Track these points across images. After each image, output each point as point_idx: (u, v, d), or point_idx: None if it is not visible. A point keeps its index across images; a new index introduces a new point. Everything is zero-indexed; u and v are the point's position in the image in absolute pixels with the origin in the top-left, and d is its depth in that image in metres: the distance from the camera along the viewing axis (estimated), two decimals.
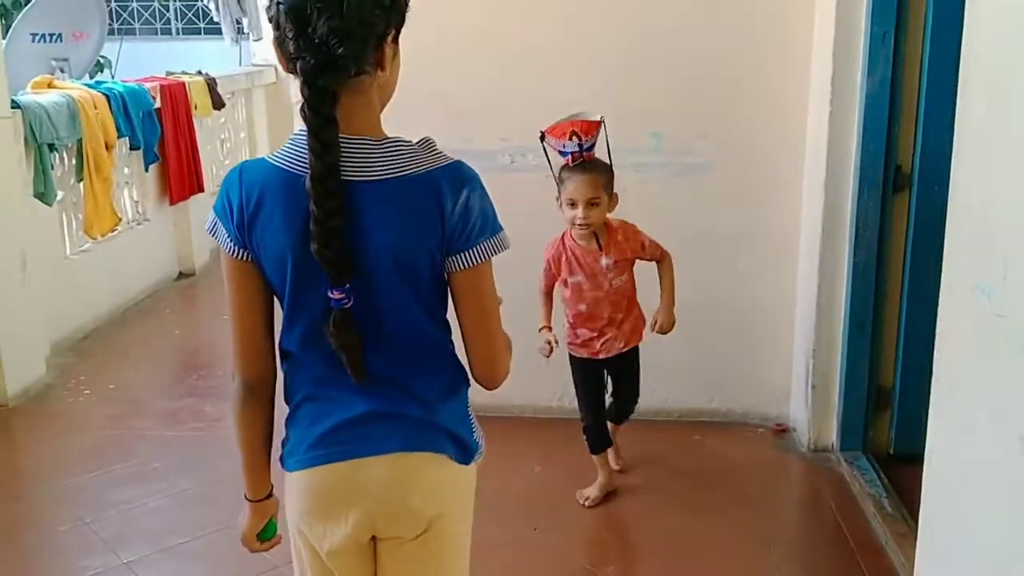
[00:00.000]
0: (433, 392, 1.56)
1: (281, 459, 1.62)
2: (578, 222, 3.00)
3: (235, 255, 1.49)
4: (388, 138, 1.48)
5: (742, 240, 3.72)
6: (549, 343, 3.06)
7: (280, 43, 1.40)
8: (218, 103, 6.84)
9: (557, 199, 3.08)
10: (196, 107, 6.45)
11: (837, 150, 3.35)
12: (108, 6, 11.70)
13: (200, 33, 13.53)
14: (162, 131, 5.97)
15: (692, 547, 3.02)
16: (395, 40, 1.47)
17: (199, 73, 6.81)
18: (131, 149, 5.72)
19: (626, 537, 3.10)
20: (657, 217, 3.68)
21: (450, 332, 1.60)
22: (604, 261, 3.10)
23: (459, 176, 1.48)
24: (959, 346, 2.17)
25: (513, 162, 3.60)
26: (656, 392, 3.87)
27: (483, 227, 1.49)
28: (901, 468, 3.29)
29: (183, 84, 6.33)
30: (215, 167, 7.13)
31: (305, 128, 1.40)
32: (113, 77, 8.59)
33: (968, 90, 2.12)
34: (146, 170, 5.91)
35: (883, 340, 3.46)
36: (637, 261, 3.21)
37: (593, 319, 3.16)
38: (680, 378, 3.86)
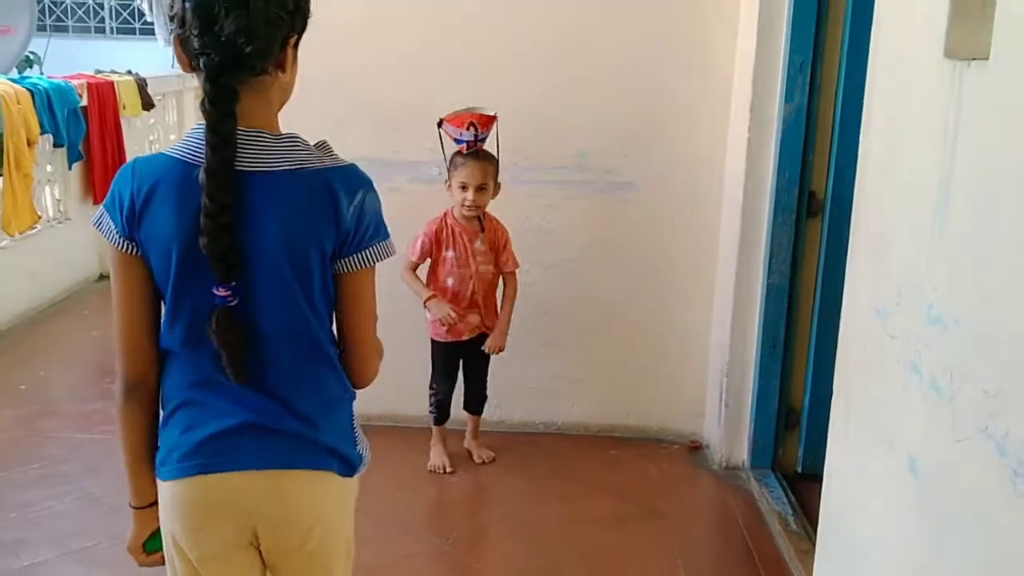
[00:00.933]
0: (316, 406, 1.55)
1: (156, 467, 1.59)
2: (467, 203, 3.30)
3: (121, 248, 1.47)
4: (284, 134, 1.50)
5: (661, 258, 3.79)
6: (452, 311, 3.33)
7: (183, 40, 1.42)
8: (148, 104, 6.74)
9: (447, 182, 3.36)
10: (125, 107, 6.34)
11: (754, 175, 3.44)
12: (40, 2, 11.46)
13: (135, 33, 13.30)
14: (88, 130, 5.86)
15: (605, 560, 3.06)
16: (295, 45, 1.49)
17: (129, 72, 6.70)
18: (55, 146, 5.60)
19: (541, 549, 3.11)
20: (580, 232, 3.76)
21: (336, 344, 1.59)
22: (478, 244, 3.40)
23: (354, 178, 1.50)
24: (856, 367, 2.25)
25: (440, 173, 3.61)
26: (575, 408, 3.93)
27: (375, 231, 1.52)
28: (807, 486, 3.37)
29: (112, 83, 6.22)
30: None
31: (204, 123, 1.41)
32: (42, 73, 8.40)
33: (870, 127, 2.21)
34: (70, 168, 5.79)
35: (794, 361, 3.55)
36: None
37: (457, 297, 3.42)
38: (598, 394, 3.92)
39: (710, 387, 3.83)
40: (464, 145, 3.28)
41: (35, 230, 5.37)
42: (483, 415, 3.75)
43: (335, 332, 1.59)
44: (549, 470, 3.65)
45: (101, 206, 1.50)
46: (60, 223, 5.83)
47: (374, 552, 2.88)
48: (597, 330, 3.84)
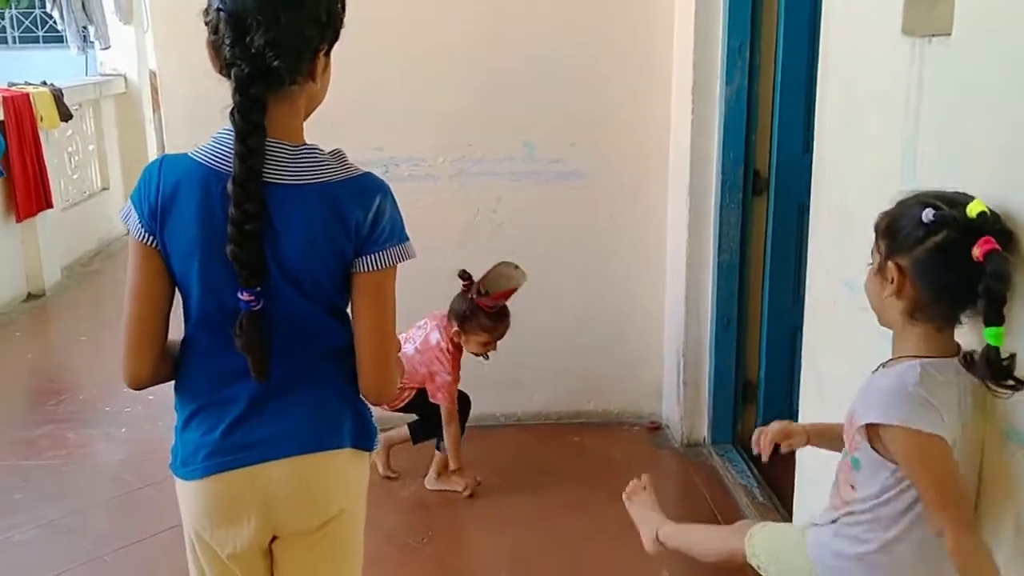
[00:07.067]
0: (334, 388, 1.60)
1: (174, 467, 1.61)
2: (487, 353, 3.32)
3: (143, 240, 1.49)
4: (304, 145, 1.51)
5: (613, 244, 3.82)
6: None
7: (215, 47, 1.45)
8: (65, 115, 6.52)
9: (459, 333, 3.26)
10: (42, 119, 6.12)
11: (699, 156, 3.49)
12: None
13: (39, 42, 12.85)
14: (6, 145, 5.65)
15: (579, 546, 3.08)
16: (327, 53, 1.52)
17: (44, 84, 6.48)
18: None
19: (514, 541, 3.12)
20: (531, 223, 3.77)
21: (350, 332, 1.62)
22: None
23: (370, 186, 1.52)
24: (826, 340, 2.30)
25: (387, 172, 3.58)
26: (535, 396, 3.95)
27: (391, 233, 1.53)
28: (770, 458, 3.43)
29: (28, 95, 6.00)
30: (63, 181, 6.79)
31: (231, 130, 1.43)
32: None
33: (824, 103, 2.25)
34: None
35: (748, 337, 3.62)
36: None
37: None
38: (558, 381, 3.94)
39: (667, 367, 3.88)
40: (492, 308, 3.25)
41: None
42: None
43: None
44: (515, 461, 3.67)
45: (128, 199, 1.51)
46: None
47: None
48: (553, 318, 3.86)
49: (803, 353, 2.42)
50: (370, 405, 1.65)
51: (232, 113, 1.42)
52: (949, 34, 1.63)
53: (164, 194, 1.46)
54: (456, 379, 3.34)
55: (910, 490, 1.54)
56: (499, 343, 3.36)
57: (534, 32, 3.63)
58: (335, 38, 1.52)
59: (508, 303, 3.30)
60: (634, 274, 3.85)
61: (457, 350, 3.33)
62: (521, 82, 3.65)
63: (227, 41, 1.41)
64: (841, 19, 2.16)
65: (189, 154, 1.50)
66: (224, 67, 1.44)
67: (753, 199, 3.51)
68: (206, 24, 1.45)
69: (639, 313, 3.89)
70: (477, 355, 3.34)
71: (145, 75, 8.23)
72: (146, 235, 1.49)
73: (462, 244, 3.66)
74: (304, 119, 1.54)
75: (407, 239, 1.56)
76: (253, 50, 1.39)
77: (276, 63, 1.41)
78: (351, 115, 3.58)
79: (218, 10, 1.41)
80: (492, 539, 3.17)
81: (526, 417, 3.97)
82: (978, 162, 1.59)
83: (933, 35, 1.70)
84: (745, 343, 3.63)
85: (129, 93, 8.11)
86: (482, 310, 3.23)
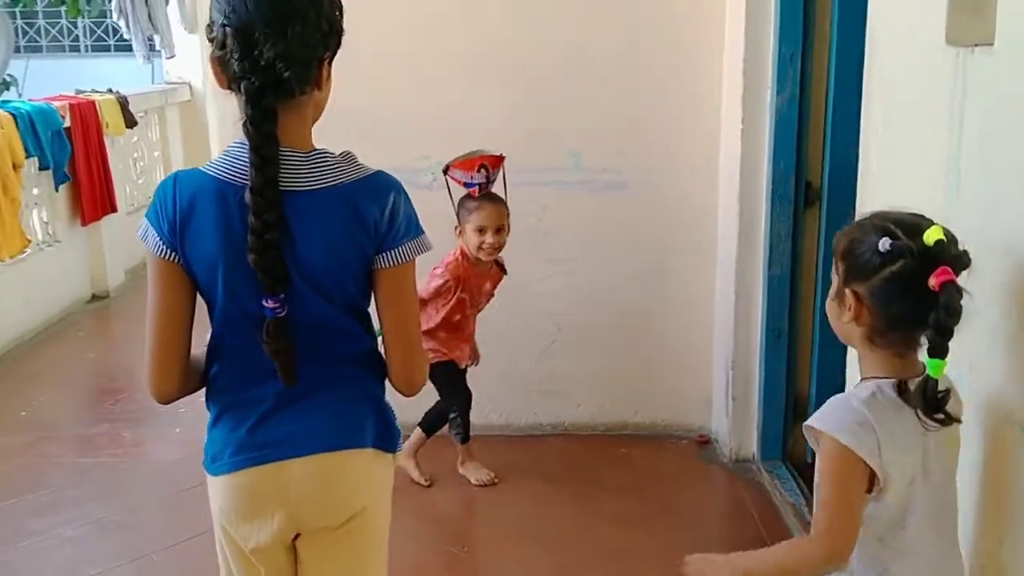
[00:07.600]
0: (358, 390, 1.64)
1: (205, 464, 1.66)
2: (486, 246, 3.25)
3: (165, 256, 1.52)
4: (314, 150, 1.54)
5: (661, 254, 3.79)
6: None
7: (222, 62, 1.46)
8: (130, 121, 6.70)
9: (456, 228, 3.29)
10: (108, 126, 6.30)
11: (749, 167, 3.44)
12: (14, 23, 11.37)
13: (110, 50, 13.23)
14: (72, 151, 5.82)
15: (623, 559, 3.06)
16: (330, 62, 1.55)
17: (110, 91, 6.66)
18: (40, 169, 5.56)
19: (557, 551, 3.11)
20: (578, 233, 3.76)
21: (376, 347, 1.66)
22: (487, 286, 3.39)
23: (383, 185, 1.56)
24: None
25: (435, 180, 3.60)
26: (582, 407, 3.93)
27: (407, 229, 1.58)
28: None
29: (94, 103, 6.18)
30: (128, 186, 6.97)
31: (243, 142, 1.46)
32: (20, 96, 8.34)
33: (870, 113, 2.21)
34: (56, 190, 5.75)
35: (799, 351, 3.55)
36: None
37: (461, 330, 3.38)
38: (605, 392, 3.91)
39: (716, 380, 3.83)
40: (475, 188, 3.21)
41: (25, 254, 5.34)
42: (489, 419, 3.79)
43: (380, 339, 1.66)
44: (560, 471, 3.65)
45: (144, 218, 1.54)
46: (50, 246, 5.79)
47: (389, 564, 2.86)
48: (600, 329, 3.84)
49: (849, 369, 2.37)
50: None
51: (245, 125, 1.45)
52: (992, 44, 1.59)
53: (181, 208, 1.50)
54: (448, 286, 3.26)
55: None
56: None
57: (580, 41, 3.62)
58: (338, 46, 1.55)
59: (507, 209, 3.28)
60: (682, 285, 3.81)
61: (464, 259, 3.28)
62: (567, 91, 3.64)
63: (235, 55, 1.43)
64: (887, 29, 2.12)
65: (201, 169, 1.54)
66: (232, 81, 1.46)
67: (805, 211, 3.45)
68: (210, 40, 1.48)
69: (687, 325, 3.85)
70: (480, 253, 3.24)
71: (209, 83, 8.41)
72: (167, 251, 1.52)
73: (506, 251, 3.66)
74: (311, 125, 1.57)
75: (423, 232, 1.60)
76: (262, 62, 1.42)
77: (287, 74, 1.44)
78: (399, 124, 3.63)
79: (223, 25, 1.44)
80: (535, 550, 3.15)
81: (572, 427, 3.95)
82: (1020, 171, 1.54)
83: (976, 45, 1.66)
84: (796, 357, 3.56)
85: (194, 100, 8.29)
86: (468, 195, 3.24)
